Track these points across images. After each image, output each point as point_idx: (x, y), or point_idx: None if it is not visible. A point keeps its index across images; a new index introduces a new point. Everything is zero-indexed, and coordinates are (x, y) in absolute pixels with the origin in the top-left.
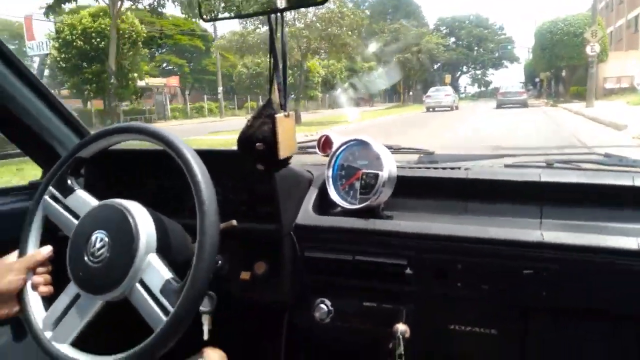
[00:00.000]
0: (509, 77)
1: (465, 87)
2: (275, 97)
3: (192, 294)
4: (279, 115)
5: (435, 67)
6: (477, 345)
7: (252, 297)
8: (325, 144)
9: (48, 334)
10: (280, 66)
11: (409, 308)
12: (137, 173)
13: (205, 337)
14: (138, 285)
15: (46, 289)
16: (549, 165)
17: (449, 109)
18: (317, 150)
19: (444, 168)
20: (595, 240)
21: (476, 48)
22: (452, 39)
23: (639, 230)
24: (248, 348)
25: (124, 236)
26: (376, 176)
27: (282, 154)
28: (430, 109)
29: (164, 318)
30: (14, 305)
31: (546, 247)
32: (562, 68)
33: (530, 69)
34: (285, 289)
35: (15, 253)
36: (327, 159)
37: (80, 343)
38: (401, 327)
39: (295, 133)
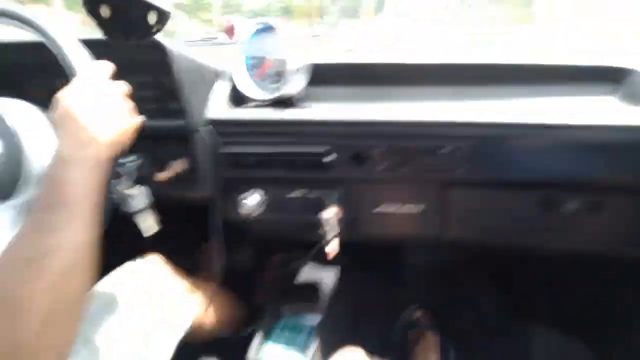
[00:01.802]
0: None
1: None
2: None
3: None
4: None
5: None
6: (402, 224)
7: (172, 196)
8: (230, 31)
9: None
10: None
11: (334, 194)
12: (21, 71)
13: (145, 234)
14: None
15: None
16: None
17: None
18: (224, 38)
19: (362, 55)
20: (507, 116)
21: None
22: None
23: (547, 104)
24: (179, 247)
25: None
26: (284, 63)
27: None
28: None
29: None
30: None
31: (459, 126)
32: None
33: None
34: (205, 186)
35: None
36: (237, 49)
37: None
38: (329, 213)
39: None
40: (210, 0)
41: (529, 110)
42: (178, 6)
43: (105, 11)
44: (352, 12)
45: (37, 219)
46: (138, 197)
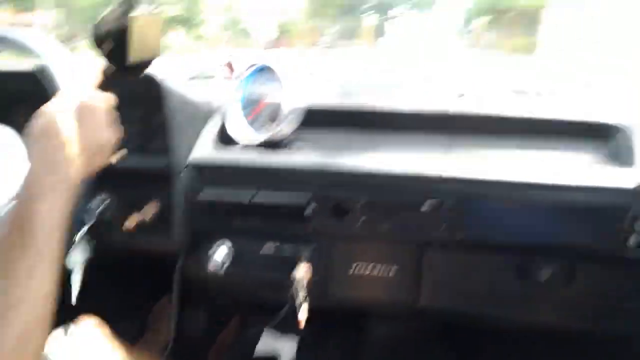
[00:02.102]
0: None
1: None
2: None
3: None
4: (139, 13)
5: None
6: (377, 285)
7: (139, 246)
8: (230, 67)
9: None
10: None
11: (310, 250)
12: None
13: (74, 300)
14: None
15: None
16: (461, 96)
17: None
18: (223, 75)
19: (358, 98)
20: (491, 173)
21: None
22: None
23: (531, 162)
24: (134, 307)
25: None
26: (279, 105)
27: (133, 56)
28: None
29: None
30: None
31: (444, 182)
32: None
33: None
34: (176, 236)
35: None
36: (230, 86)
37: None
38: (301, 272)
39: (160, 36)
40: (204, 17)
41: (513, 166)
42: (173, 19)
43: (107, 45)
44: (350, 34)
45: (1, 267)
46: (80, 249)
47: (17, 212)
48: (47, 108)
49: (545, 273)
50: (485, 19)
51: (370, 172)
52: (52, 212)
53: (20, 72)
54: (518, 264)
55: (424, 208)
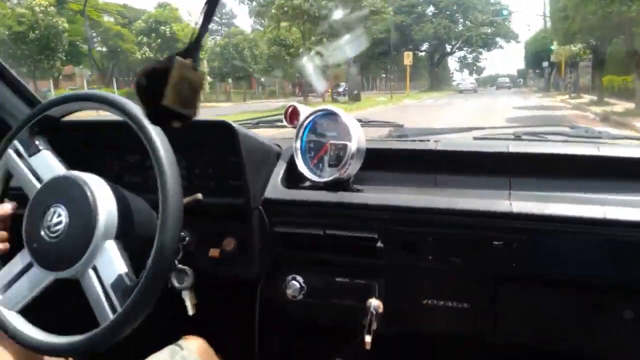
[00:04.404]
0: (504, 63)
1: (452, 73)
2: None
3: (142, 297)
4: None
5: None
6: (449, 318)
7: (222, 274)
8: (292, 115)
9: None
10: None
11: (381, 282)
12: (101, 146)
13: (190, 312)
14: (91, 271)
15: (1, 246)
16: (517, 138)
17: (473, 91)
18: (284, 122)
19: (413, 140)
20: (562, 210)
21: (461, 20)
22: (431, 8)
23: (603, 200)
24: (221, 326)
25: (82, 215)
26: (344, 147)
27: (167, 100)
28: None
29: (111, 316)
30: None
31: (515, 218)
32: (607, 39)
33: (536, 47)
34: (255, 266)
35: None
36: (295, 131)
37: (27, 313)
38: (374, 302)
39: (198, 92)
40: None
41: (585, 204)
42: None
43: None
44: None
45: None
46: (188, 274)
47: None
48: None
49: (627, 313)
50: (565, 50)
51: (439, 209)
52: None
53: (110, 122)
54: (598, 301)
55: (496, 244)
